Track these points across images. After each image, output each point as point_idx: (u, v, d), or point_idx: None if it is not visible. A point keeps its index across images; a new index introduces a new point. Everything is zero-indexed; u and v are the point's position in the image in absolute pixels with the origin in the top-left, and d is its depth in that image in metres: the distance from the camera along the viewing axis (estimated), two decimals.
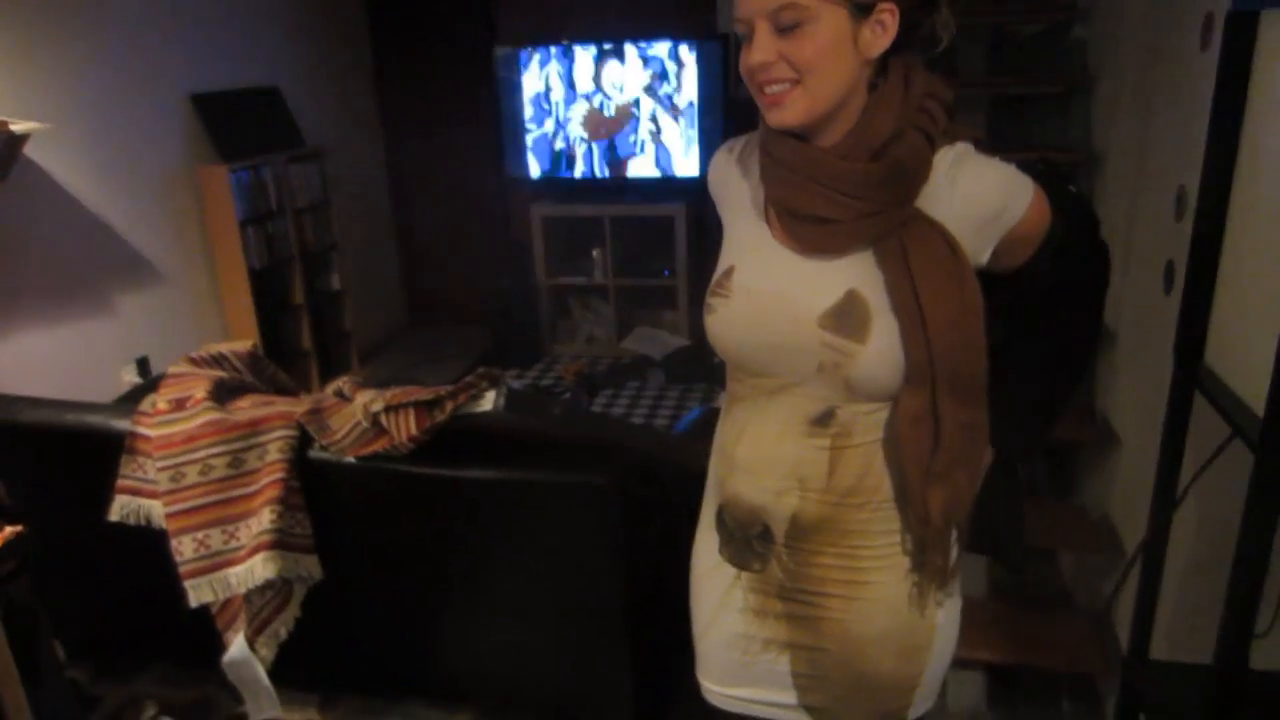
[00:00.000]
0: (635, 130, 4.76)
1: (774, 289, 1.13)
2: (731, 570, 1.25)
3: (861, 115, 1.07)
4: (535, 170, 4.88)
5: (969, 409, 1.09)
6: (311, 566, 1.99)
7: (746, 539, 1.21)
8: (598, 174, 4.85)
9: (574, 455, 1.89)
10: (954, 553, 1.19)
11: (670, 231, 4.80)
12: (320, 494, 1.99)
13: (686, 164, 4.75)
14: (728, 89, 4.64)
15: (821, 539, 1.16)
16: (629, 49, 4.65)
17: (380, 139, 5.40)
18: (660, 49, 4.62)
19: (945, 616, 1.20)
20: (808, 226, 1.11)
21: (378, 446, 1.94)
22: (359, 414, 1.99)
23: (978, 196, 1.07)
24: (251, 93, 4.30)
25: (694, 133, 4.69)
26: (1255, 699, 1.22)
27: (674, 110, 4.68)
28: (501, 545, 1.96)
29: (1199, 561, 1.50)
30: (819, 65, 1.03)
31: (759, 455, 1.16)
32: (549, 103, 4.78)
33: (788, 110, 1.05)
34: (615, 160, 4.81)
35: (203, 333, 4.02)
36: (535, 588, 1.99)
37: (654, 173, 4.80)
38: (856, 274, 1.09)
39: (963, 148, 1.09)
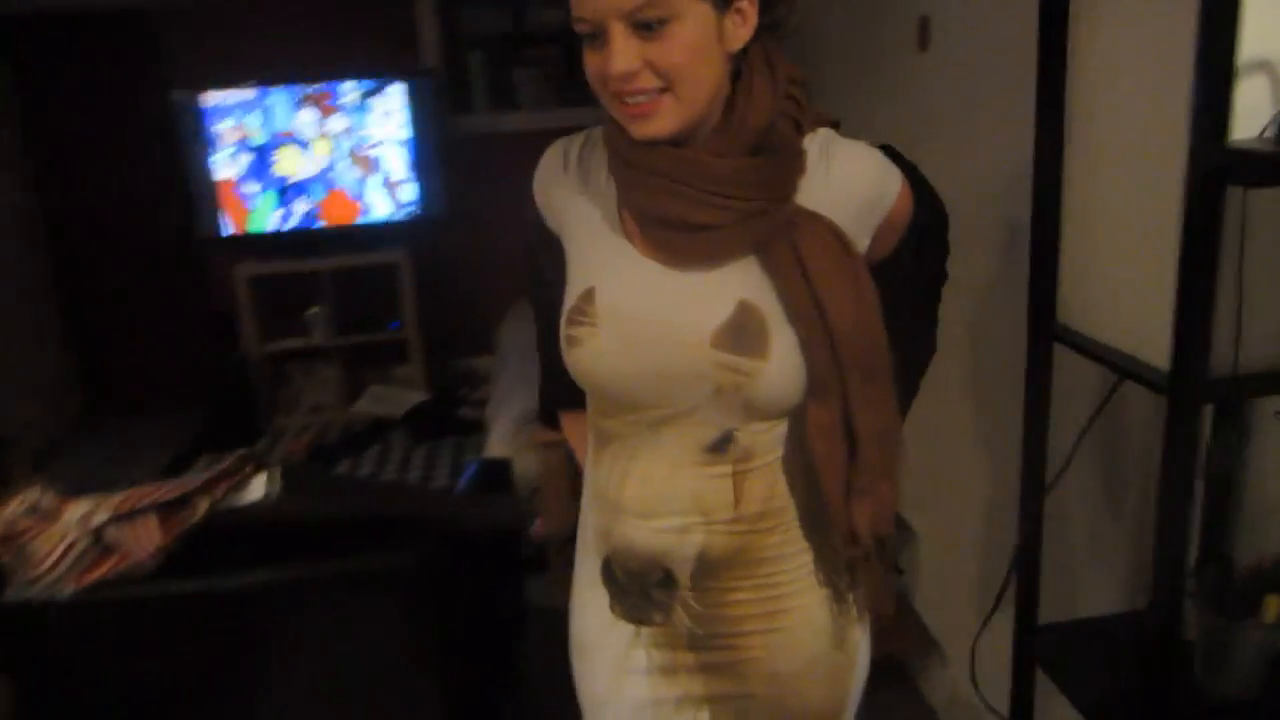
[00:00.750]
0: (347, 174, 4.38)
1: (651, 310, 0.99)
2: (628, 628, 1.11)
3: (732, 109, 0.96)
4: (234, 227, 4.32)
5: (884, 414, 1.00)
6: None
7: (643, 590, 1.07)
8: (308, 225, 4.39)
9: (369, 536, 1.58)
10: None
11: (394, 280, 4.45)
12: (29, 648, 1.52)
13: (405, 207, 4.44)
14: (444, 125, 4.41)
15: (734, 573, 1.06)
16: (327, 88, 4.27)
17: (34, 202, 4.54)
18: (361, 87, 4.29)
19: (861, 630, 1.14)
20: (682, 236, 0.98)
21: (108, 569, 1.50)
22: (73, 532, 1.54)
23: (855, 182, 1.00)
24: None
25: (410, 173, 4.40)
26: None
27: (379, 150, 4.36)
28: (294, 659, 1.59)
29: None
30: (690, 68, 0.91)
31: (651, 494, 1.03)
32: (244, 151, 4.26)
33: (658, 120, 0.92)
34: (326, 208, 4.38)
35: None
36: (342, 703, 1.64)
37: (372, 218, 4.44)
38: (743, 283, 0.98)
39: (826, 133, 1.02)
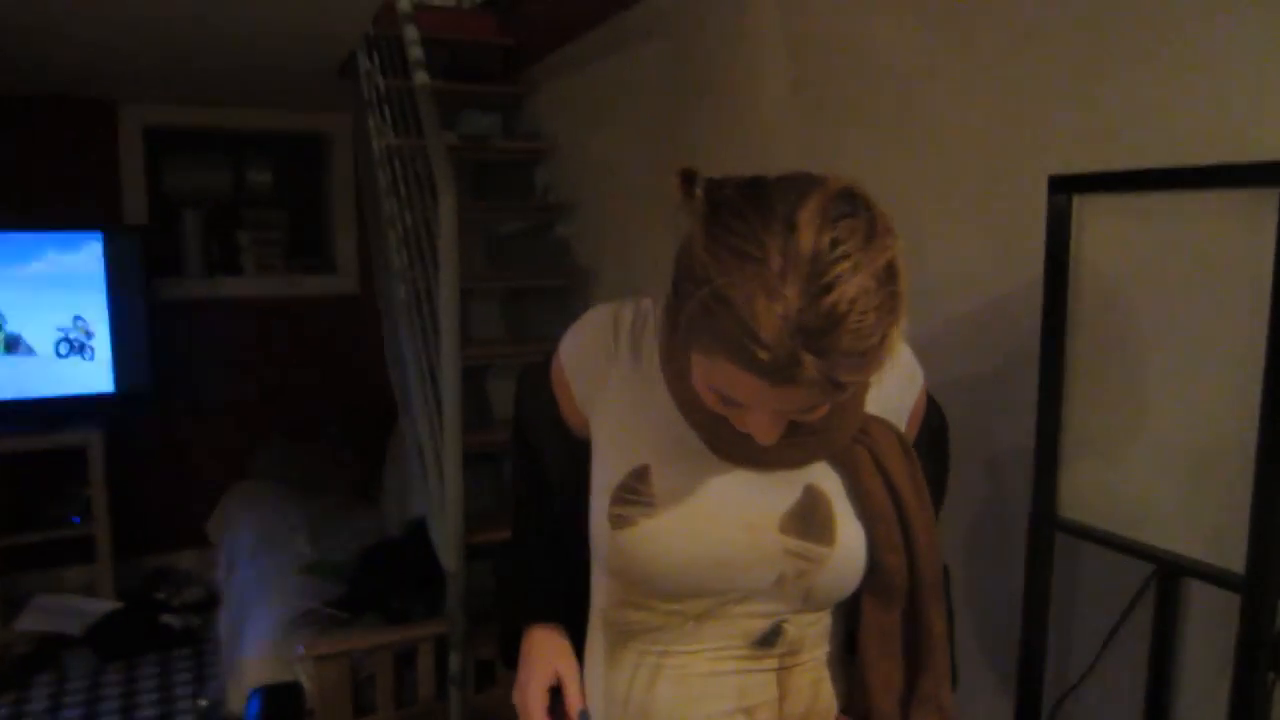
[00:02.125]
0: (29, 339, 3.67)
1: (715, 491, 0.91)
2: None
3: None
4: None
5: (943, 616, 0.96)
6: None
7: None
8: None
9: None
10: None
11: (81, 466, 3.73)
12: None
13: (99, 378, 3.80)
14: (148, 288, 3.88)
15: None
16: (9, 239, 3.63)
17: None
18: (51, 241, 3.69)
19: None
20: (749, 456, 0.91)
21: None
22: None
23: (897, 372, 0.97)
24: None
25: (106, 340, 3.79)
26: None
27: (70, 313, 3.74)
28: None
29: None
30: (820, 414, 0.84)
31: (689, 695, 0.94)
32: None
33: (773, 435, 0.83)
34: None
35: None
36: None
37: (53, 391, 3.73)
38: (809, 468, 0.93)
39: None
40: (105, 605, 3.73)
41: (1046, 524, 1.17)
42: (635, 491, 0.92)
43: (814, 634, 0.96)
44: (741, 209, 0.74)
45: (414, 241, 2.61)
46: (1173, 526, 1.03)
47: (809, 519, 0.91)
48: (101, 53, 3.07)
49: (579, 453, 1.01)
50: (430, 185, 2.53)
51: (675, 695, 0.94)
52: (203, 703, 3.12)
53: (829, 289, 0.68)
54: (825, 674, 0.98)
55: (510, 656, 1.07)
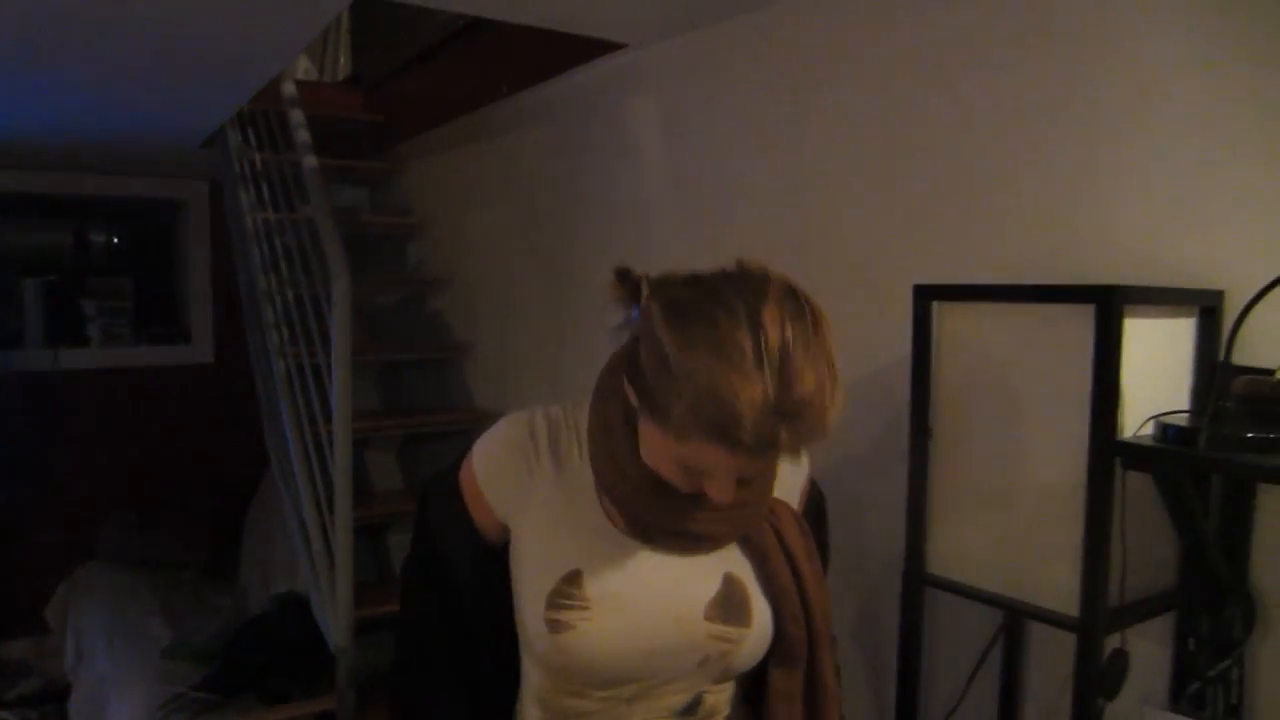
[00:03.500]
0: None
1: (645, 591, 1.02)
2: None
3: None
4: None
5: (835, 674, 1.11)
6: None
7: None
8: None
9: None
10: None
11: None
12: None
13: None
14: None
15: None
16: None
17: None
18: None
19: None
20: (675, 540, 1.03)
21: None
22: None
23: (792, 461, 1.12)
24: None
25: None
26: None
27: None
28: None
29: None
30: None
31: None
32: None
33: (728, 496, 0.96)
34: None
35: None
36: None
37: None
38: (724, 557, 1.06)
39: None
40: None
41: (916, 579, 1.36)
42: (569, 596, 0.99)
43: (725, 698, 1.08)
44: (705, 310, 0.85)
45: (296, 317, 2.63)
46: (1019, 577, 1.24)
47: (728, 605, 1.01)
48: None
49: (490, 557, 1.08)
50: (306, 261, 2.56)
51: None
52: None
53: (797, 377, 0.81)
54: None
55: None
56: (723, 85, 2.05)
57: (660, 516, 1.00)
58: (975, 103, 1.51)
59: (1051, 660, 1.43)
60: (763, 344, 0.82)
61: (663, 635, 1.00)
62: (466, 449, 1.10)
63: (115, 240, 4.44)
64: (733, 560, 1.05)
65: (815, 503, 1.19)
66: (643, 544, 1.02)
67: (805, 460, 1.15)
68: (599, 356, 1.09)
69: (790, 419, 0.82)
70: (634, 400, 0.93)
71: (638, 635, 0.99)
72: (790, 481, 1.12)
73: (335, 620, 2.42)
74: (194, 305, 4.38)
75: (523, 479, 1.05)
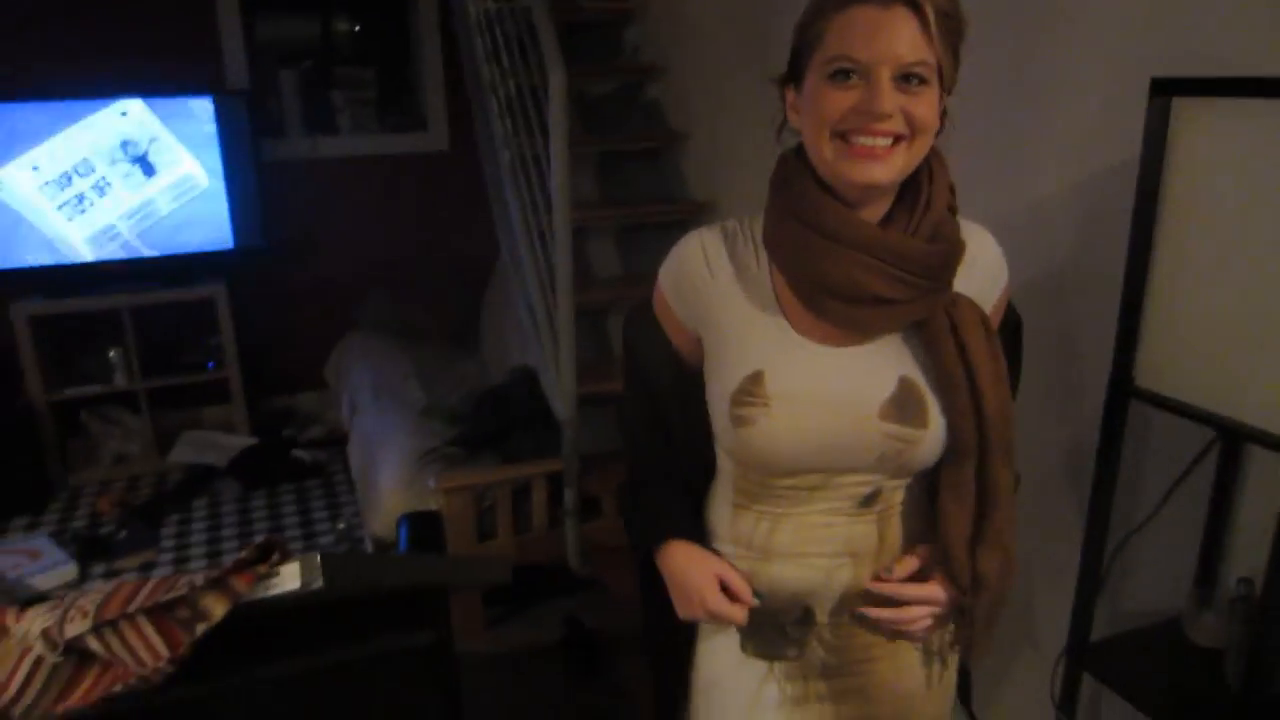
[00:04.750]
0: (154, 202, 3.94)
1: (822, 390, 1.07)
2: (760, 665, 1.20)
3: (918, 193, 1.04)
4: (11, 260, 3.75)
5: (1011, 472, 1.12)
6: None
7: (779, 627, 1.17)
8: (105, 257, 3.90)
9: (390, 613, 1.49)
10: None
11: (211, 316, 4.07)
12: None
13: (220, 236, 4.07)
14: (255, 151, 4.08)
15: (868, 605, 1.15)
16: (111, 106, 3.83)
17: None
18: (162, 104, 3.88)
19: (951, 650, 1.24)
20: (855, 309, 1.04)
21: (98, 688, 1.29)
22: (38, 646, 1.31)
23: (988, 264, 1.13)
24: None
25: (224, 201, 4.04)
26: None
27: (187, 176, 3.97)
28: None
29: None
30: (930, 127, 0.99)
31: (805, 539, 1.14)
32: (36, 173, 3.71)
33: (885, 166, 0.99)
34: (128, 237, 3.92)
35: None
36: None
37: (182, 248, 4.03)
38: (901, 359, 1.09)
39: (957, 216, 1.12)
40: (243, 441, 4.16)
41: (1121, 389, 1.33)
42: (752, 394, 1.06)
43: (903, 490, 1.13)
44: None
45: (518, 108, 2.73)
46: (1239, 398, 1.18)
47: (904, 405, 1.05)
48: None
49: (690, 384, 1.15)
50: (525, 52, 2.61)
51: (792, 539, 1.13)
52: (341, 525, 3.54)
53: None
54: (910, 518, 1.15)
55: (648, 580, 1.23)
56: None
57: (835, 268, 1.01)
58: None
59: (1268, 487, 1.37)
60: None
61: (837, 431, 1.06)
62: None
63: (357, 29, 4.67)
64: (908, 364, 1.08)
65: (1010, 325, 1.18)
66: (818, 342, 1.08)
67: (1005, 277, 1.14)
68: None
69: None
70: (789, 95, 1.05)
71: (813, 431, 1.06)
72: (984, 289, 1.11)
73: (561, 394, 2.67)
74: (429, 94, 4.61)
75: (702, 289, 1.12)
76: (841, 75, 0.96)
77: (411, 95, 4.77)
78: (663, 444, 1.24)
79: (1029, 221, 1.75)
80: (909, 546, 1.15)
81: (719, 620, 1.15)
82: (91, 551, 3.30)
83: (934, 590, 1.12)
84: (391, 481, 2.94)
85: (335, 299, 4.55)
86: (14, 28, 3.84)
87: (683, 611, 1.18)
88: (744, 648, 1.20)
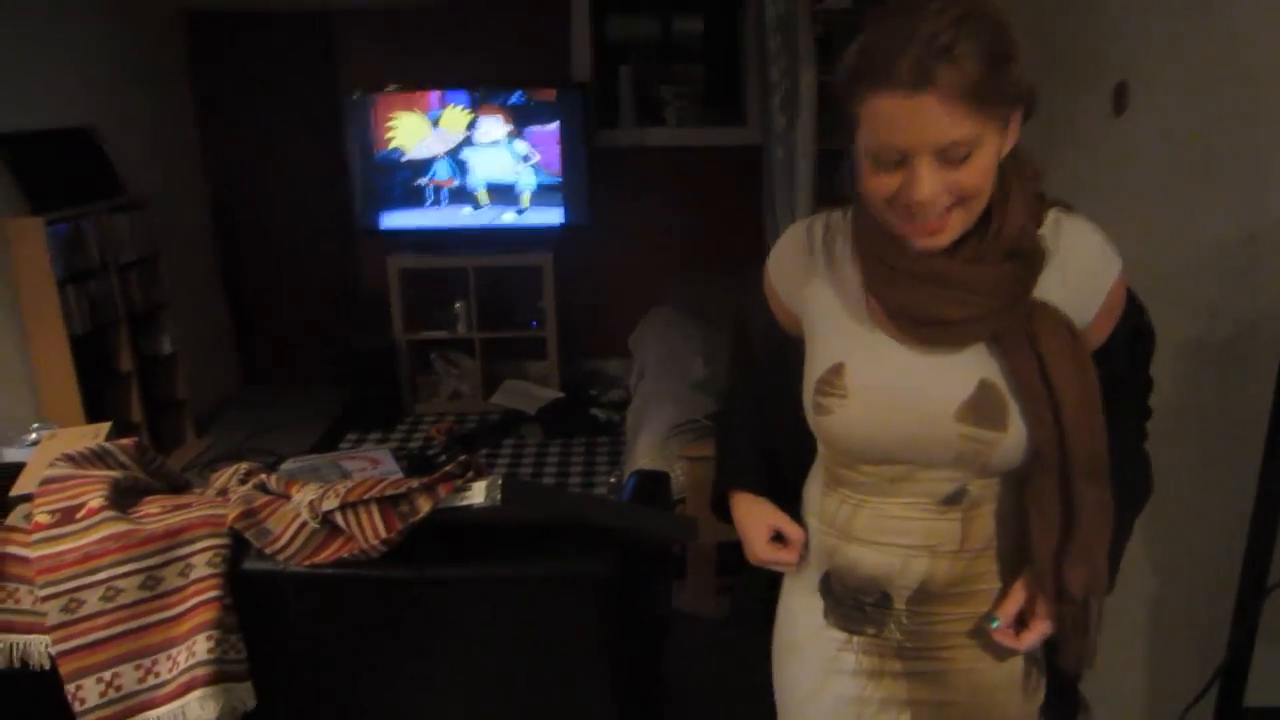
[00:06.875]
0: (503, 179, 4.59)
1: (899, 386, 1.09)
2: (840, 634, 1.23)
3: (994, 214, 1.03)
4: (392, 222, 4.59)
5: (1100, 488, 1.07)
6: (245, 695, 1.69)
7: (858, 604, 1.20)
8: (461, 225, 4.63)
9: (560, 542, 1.72)
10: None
11: (537, 282, 4.65)
12: (256, 611, 1.70)
13: (552, 213, 4.63)
14: (589, 138, 4.57)
15: (950, 599, 1.16)
16: (495, 98, 4.49)
17: (204, 186, 4.91)
18: (519, 98, 4.49)
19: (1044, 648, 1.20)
20: (932, 329, 1.07)
21: (337, 552, 1.68)
22: (305, 514, 1.72)
23: (1083, 265, 1.07)
24: (61, 134, 3.77)
25: (560, 182, 4.58)
26: None
27: (532, 159, 4.56)
28: (478, 645, 1.75)
29: None
30: (983, 188, 0.99)
31: (882, 529, 1.15)
32: (407, 152, 4.52)
33: (945, 235, 1.01)
34: (478, 210, 4.61)
35: (9, 412, 3.44)
36: (515, 690, 1.79)
37: (521, 222, 4.65)
38: (982, 363, 1.07)
39: (1054, 214, 1.09)
40: (552, 394, 4.71)
41: None
42: (833, 385, 1.10)
43: (993, 493, 1.11)
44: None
45: (789, 107, 2.85)
46: None
47: (981, 408, 1.05)
48: None
49: (788, 348, 1.21)
50: (795, 50, 2.71)
51: (870, 527, 1.15)
52: (612, 480, 3.92)
53: (945, 12, 0.90)
54: (1004, 517, 1.12)
55: (719, 510, 1.35)
56: None
57: (901, 295, 1.05)
58: None
59: None
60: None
61: (911, 428, 1.08)
62: None
63: (699, 29, 5.02)
64: (991, 369, 1.06)
65: (1131, 324, 1.11)
66: (902, 345, 1.09)
67: (1114, 267, 1.07)
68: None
69: (939, 47, 0.89)
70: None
71: (888, 426, 1.09)
72: (1075, 289, 1.06)
73: None
74: (749, 90, 4.83)
75: (801, 275, 1.19)
76: (879, 159, 0.97)
77: (735, 91, 5.02)
78: (751, 406, 1.33)
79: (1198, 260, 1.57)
80: (1003, 549, 1.14)
81: (771, 566, 1.25)
82: (417, 468, 3.98)
83: (1044, 627, 1.11)
84: (648, 443, 3.23)
85: (645, 277, 4.96)
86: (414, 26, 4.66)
87: (748, 555, 1.28)
88: (825, 615, 1.24)
